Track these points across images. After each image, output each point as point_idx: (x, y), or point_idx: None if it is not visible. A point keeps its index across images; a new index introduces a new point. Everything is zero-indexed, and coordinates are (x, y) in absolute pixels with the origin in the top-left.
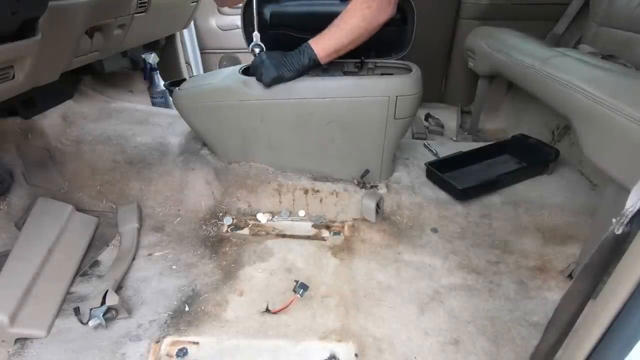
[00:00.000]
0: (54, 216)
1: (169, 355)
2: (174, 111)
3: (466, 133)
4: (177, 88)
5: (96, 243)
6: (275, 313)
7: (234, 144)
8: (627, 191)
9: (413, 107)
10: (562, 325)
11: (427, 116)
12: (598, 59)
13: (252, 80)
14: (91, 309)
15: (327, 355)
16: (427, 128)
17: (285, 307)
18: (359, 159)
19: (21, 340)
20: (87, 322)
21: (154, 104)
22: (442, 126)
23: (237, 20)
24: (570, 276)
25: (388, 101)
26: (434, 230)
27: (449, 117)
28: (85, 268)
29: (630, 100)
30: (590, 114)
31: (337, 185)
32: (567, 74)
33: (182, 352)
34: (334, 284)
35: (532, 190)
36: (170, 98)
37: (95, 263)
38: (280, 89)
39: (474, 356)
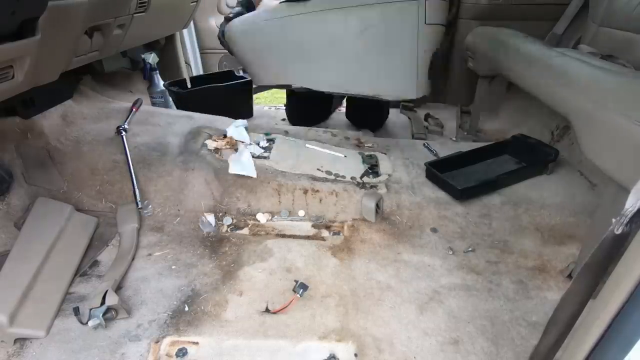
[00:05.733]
0: (54, 216)
1: (168, 355)
2: (173, 111)
3: (466, 133)
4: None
5: (96, 243)
6: (274, 313)
7: (275, 64)
8: (626, 191)
9: (442, 12)
10: (562, 325)
11: (427, 116)
12: (597, 59)
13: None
14: (91, 309)
15: (327, 355)
16: (427, 128)
17: (285, 307)
18: (394, 73)
19: (20, 341)
20: (87, 322)
21: (153, 104)
22: (442, 126)
23: None
24: (569, 276)
25: (417, 5)
26: (434, 230)
27: (448, 117)
28: (85, 268)
29: (630, 101)
30: (589, 115)
31: (336, 185)
32: (566, 74)
33: (182, 352)
34: (334, 284)
35: (531, 190)
36: (170, 98)
37: (95, 263)
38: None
39: (474, 356)
